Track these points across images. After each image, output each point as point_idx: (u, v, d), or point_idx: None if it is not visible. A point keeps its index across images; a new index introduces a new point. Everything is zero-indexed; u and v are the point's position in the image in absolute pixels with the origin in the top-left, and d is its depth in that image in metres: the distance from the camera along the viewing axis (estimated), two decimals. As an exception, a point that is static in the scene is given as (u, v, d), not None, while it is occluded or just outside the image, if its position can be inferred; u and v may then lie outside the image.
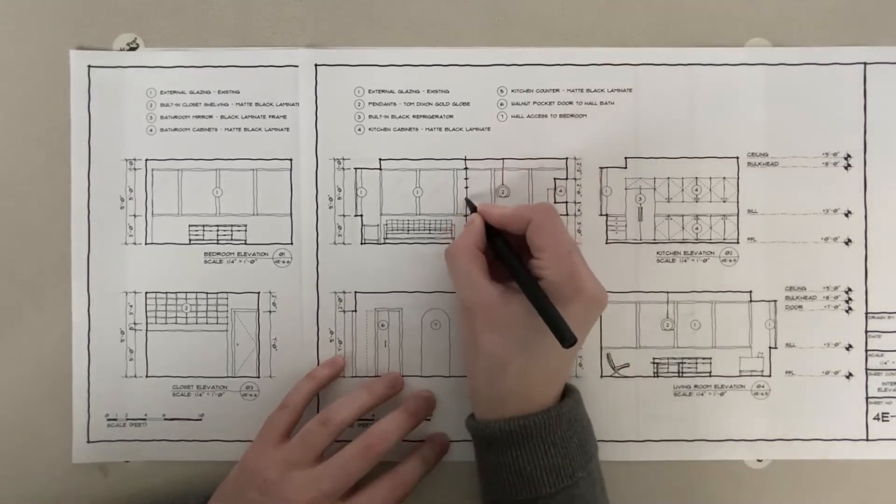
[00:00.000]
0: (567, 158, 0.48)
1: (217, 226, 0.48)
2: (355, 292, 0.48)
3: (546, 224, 0.41)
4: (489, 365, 0.42)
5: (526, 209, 0.43)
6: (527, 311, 0.40)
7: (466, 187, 0.48)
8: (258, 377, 0.48)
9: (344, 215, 0.48)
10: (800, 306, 0.48)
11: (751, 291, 0.48)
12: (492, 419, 0.42)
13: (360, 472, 0.42)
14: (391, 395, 0.46)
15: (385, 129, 0.48)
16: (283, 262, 0.48)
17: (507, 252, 0.43)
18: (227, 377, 0.48)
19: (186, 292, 0.48)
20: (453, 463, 0.47)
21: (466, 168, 0.48)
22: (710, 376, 0.48)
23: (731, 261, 0.48)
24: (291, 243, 0.48)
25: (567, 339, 0.38)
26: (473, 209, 0.45)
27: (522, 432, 0.41)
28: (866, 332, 0.48)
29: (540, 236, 0.41)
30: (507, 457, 0.41)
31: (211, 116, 0.48)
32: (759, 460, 0.48)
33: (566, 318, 0.39)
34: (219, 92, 0.48)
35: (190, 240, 0.48)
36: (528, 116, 0.48)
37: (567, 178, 0.48)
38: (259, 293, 0.48)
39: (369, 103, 0.48)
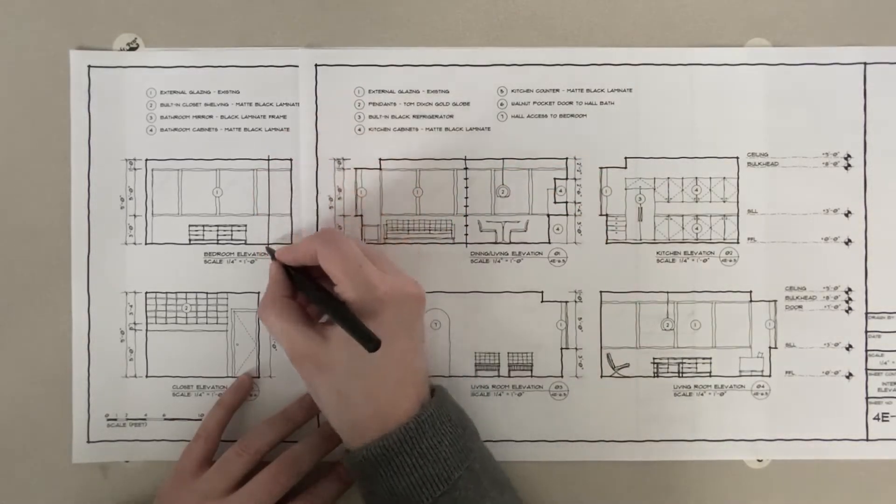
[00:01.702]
0: (567, 158, 0.48)
1: (217, 226, 0.48)
2: (355, 292, 0.48)
3: (327, 250, 0.41)
4: (333, 402, 0.42)
5: (310, 241, 0.42)
6: (347, 339, 0.40)
7: (466, 187, 0.48)
8: (258, 377, 0.48)
9: (344, 215, 0.48)
10: (800, 306, 0.48)
11: (751, 291, 0.48)
12: (357, 448, 0.41)
13: (272, 498, 0.43)
14: (310, 417, 0.46)
15: (385, 129, 0.48)
16: (283, 262, 0.48)
17: (304, 284, 0.43)
18: (227, 377, 0.48)
19: (186, 292, 0.48)
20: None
21: (466, 168, 0.48)
22: (710, 376, 0.48)
23: (731, 261, 0.48)
24: (291, 243, 0.48)
25: (371, 341, 0.38)
26: (273, 256, 0.44)
27: (384, 453, 0.40)
28: (866, 332, 0.48)
29: (328, 263, 0.41)
30: (378, 482, 0.41)
31: (211, 116, 0.48)
32: (759, 460, 0.48)
33: (380, 327, 0.40)
34: (219, 92, 0.48)
35: (190, 240, 0.48)
36: (528, 116, 0.48)
37: (567, 178, 0.48)
38: (259, 293, 0.48)
39: (369, 103, 0.48)
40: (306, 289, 0.43)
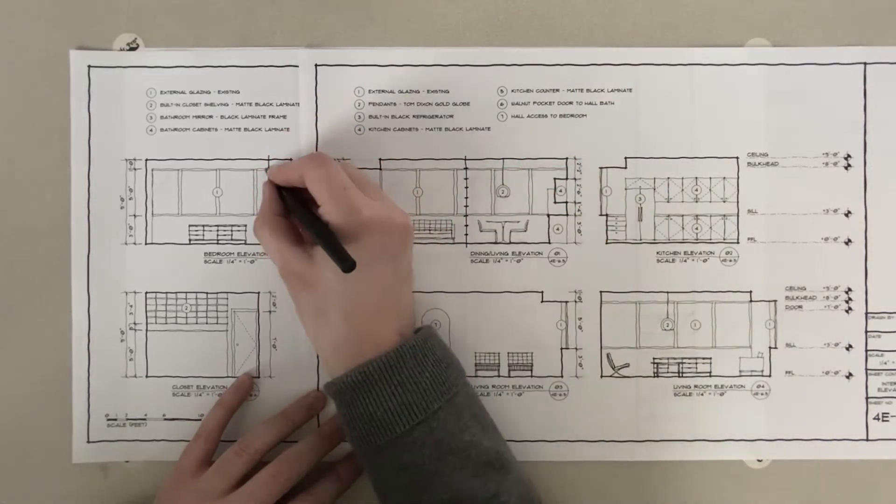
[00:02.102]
0: (567, 158, 0.48)
1: (217, 226, 0.48)
2: (355, 292, 0.48)
3: (314, 173, 0.42)
4: (313, 320, 0.43)
5: (298, 162, 0.43)
6: (330, 259, 0.41)
7: (466, 187, 0.48)
8: (258, 377, 0.48)
9: (344, 215, 0.48)
10: (800, 306, 0.48)
11: (751, 291, 0.48)
12: (338, 376, 0.42)
13: (272, 498, 0.43)
14: (310, 417, 0.47)
15: (385, 129, 0.48)
16: (283, 262, 0.48)
17: (294, 204, 0.44)
18: (227, 377, 0.48)
19: (186, 292, 0.48)
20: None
21: (466, 168, 0.48)
22: (710, 376, 0.48)
23: (731, 261, 0.48)
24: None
25: (345, 261, 0.39)
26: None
27: (364, 379, 0.41)
28: (866, 332, 0.48)
29: (314, 186, 0.42)
30: (357, 407, 0.41)
31: (211, 116, 0.48)
32: (759, 460, 0.48)
33: (360, 251, 0.40)
34: (219, 92, 0.48)
35: (190, 240, 0.48)
36: (528, 116, 0.48)
37: (567, 178, 0.48)
38: (259, 293, 0.48)
39: (369, 103, 0.48)
40: (294, 208, 0.44)
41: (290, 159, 0.48)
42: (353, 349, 0.42)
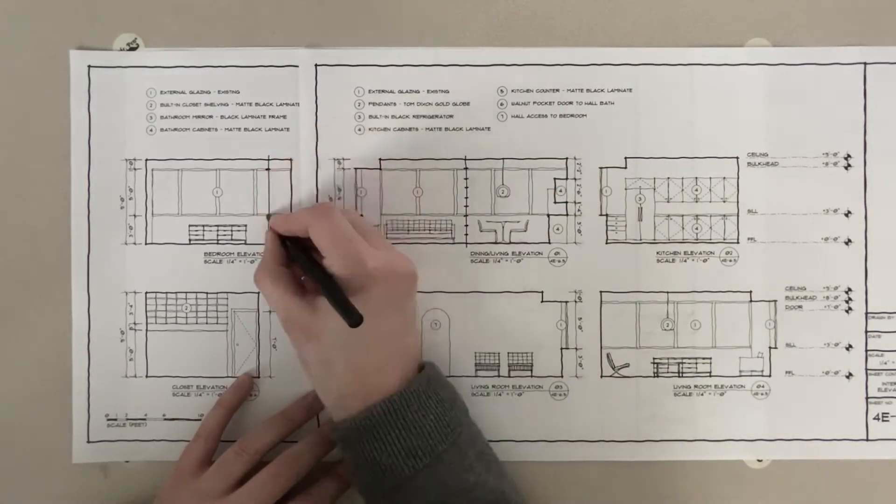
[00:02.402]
0: (567, 158, 0.48)
1: (217, 226, 0.48)
2: (355, 292, 0.48)
3: (320, 224, 0.41)
4: (319, 371, 0.42)
5: (303, 213, 0.43)
6: (335, 311, 0.40)
7: (466, 187, 0.48)
8: (258, 377, 0.48)
9: (344, 215, 0.48)
10: (800, 306, 0.48)
11: (751, 291, 0.48)
12: (342, 419, 0.42)
13: (272, 498, 0.43)
14: (310, 417, 0.47)
15: (385, 129, 0.48)
16: (283, 262, 0.48)
17: (298, 255, 0.43)
18: (227, 377, 0.48)
19: (186, 292, 0.48)
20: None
21: (466, 168, 0.48)
22: (710, 376, 0.48)
23: (731, 261, 0.48)
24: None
25: (352, 317, 0.39)
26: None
27: (367, 424, 0.41)
28: (866, 332, 0.48)
29: (319, 237, 0.41)
30: (362, 452, 0.41)
31: (211, 116, 0.48)
32: (759, 460, 0.48)
33: (367, 303, 0.40)
34: (219, 92, 0.48)
35: (190, 240, 0.48)
36: (528, 116, 0.48)
37: (567, 178, 0.48)
38: (259, 293, 0.48)
39: (369, 103, 0.48)
40: (299, 259, 0.43)
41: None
42: (361, 397, 0.42)
